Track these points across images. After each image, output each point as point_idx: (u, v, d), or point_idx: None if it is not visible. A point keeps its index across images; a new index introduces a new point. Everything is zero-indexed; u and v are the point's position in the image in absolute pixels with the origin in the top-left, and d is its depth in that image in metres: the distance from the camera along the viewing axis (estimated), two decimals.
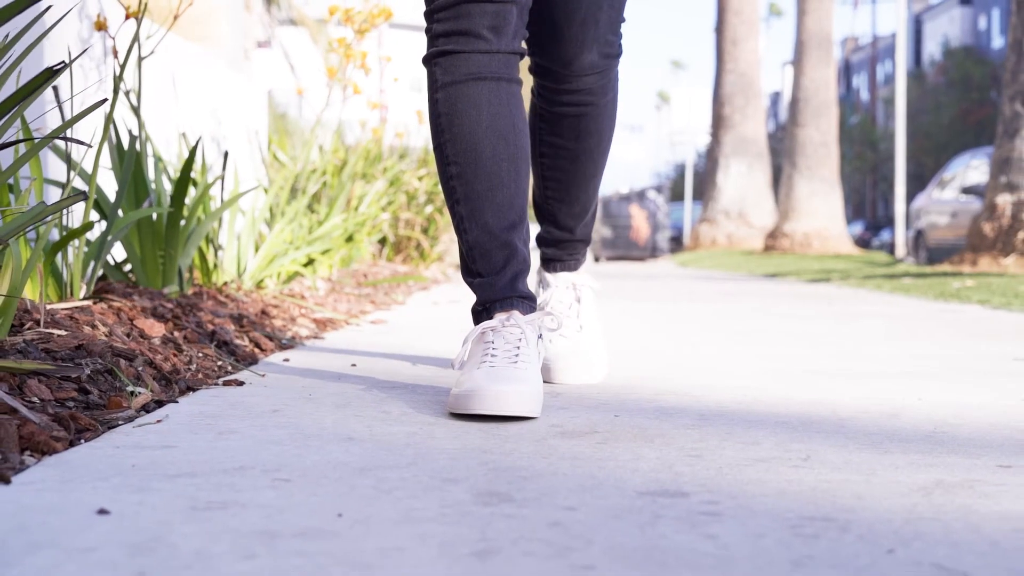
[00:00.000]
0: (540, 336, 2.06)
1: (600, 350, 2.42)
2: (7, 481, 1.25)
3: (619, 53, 2.28)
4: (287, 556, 1.02)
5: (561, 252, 2.47)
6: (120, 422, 1.66)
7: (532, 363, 1.93)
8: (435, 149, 2.10)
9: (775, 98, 75.03)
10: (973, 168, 16.15)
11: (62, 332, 2.09)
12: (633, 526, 1.16)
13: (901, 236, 16.11)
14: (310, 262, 4.68)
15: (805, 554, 1.07)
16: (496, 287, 2.05)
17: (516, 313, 2.00)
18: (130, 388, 1.87)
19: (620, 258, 19.98)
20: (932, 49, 57.21)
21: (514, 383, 1.82)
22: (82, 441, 1.52)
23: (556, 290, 2.44)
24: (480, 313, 2.07)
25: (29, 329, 2.09)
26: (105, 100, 1.72)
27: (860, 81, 67.98)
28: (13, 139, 1.98)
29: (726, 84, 20.64)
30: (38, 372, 1.74)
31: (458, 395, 1.84)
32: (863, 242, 40.77)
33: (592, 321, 2.44)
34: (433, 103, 2.08)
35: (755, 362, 2.86)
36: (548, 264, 2.49)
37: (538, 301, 2.39)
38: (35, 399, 1.64)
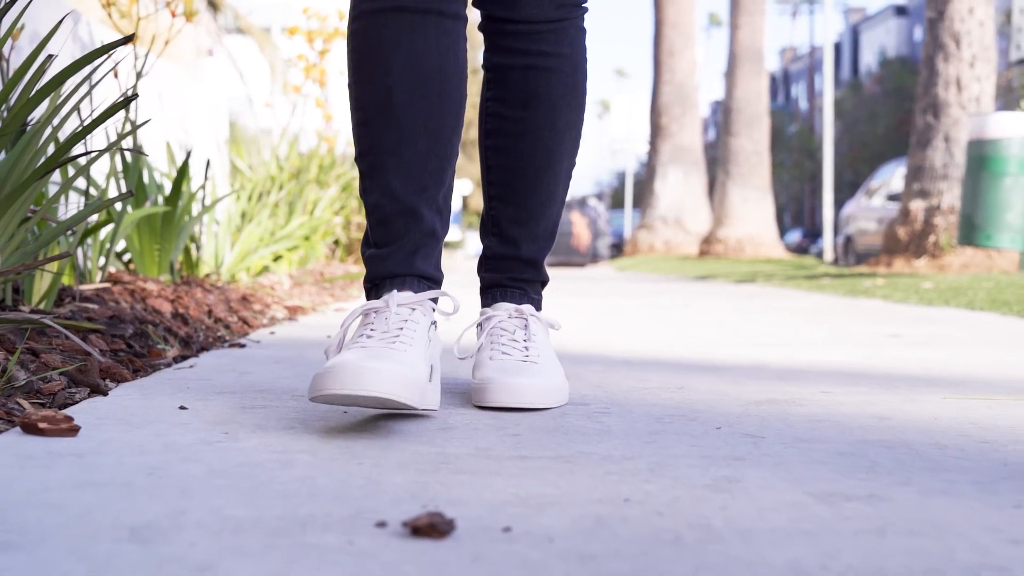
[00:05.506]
0: (434, 324, 1.72)
1: (556, 372, 1.85)
2: (105, 393, 1.76)
3: (577, 2, 1.91)
4: (316, 429, 1.53)
5: (501, 275, 1.96)
6: (162, 367, 2.17)
7: (415, 346, 1.61)
8: (348, 94, 1.80)
9: (715, 107, 76.10)
10: (899, 176, 16.88)
11: (94, 306, 2.59)
12: (548, 418, 1.69)
13: (829, 241, 16.81)
14: (277, 258, 5.18)
15: (660, 430, 1.60)
16: (389, 261, 1.74)
17: (408, 293, 1.70)
18: (161, 346, 2.38)
19: (561, 264, 20.58)
20: (869, 59, 58.44)
21: (387, 362, 1.49)
22: (139, 376, 2.02)
23: (495, 318, 1.90)
24: (369, 291, 1.77)
25: (68, 304, 2.59)
26: (149, 120, 2.21)
27: (799, 90, 69.18)
28: (82, 152, 2.47)
29: (663, 94, 21.28)
30: (94, 330, 2.24)
31: (316, 375, 1.49)
32: (801, 249, 41.59)
33: (544, 349, 1.88)
34: (348, 36, 1.78)
35: (665, 337, 3.40)
36: (486, 293, 1.98)
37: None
38: (96, 349, 2.14)
